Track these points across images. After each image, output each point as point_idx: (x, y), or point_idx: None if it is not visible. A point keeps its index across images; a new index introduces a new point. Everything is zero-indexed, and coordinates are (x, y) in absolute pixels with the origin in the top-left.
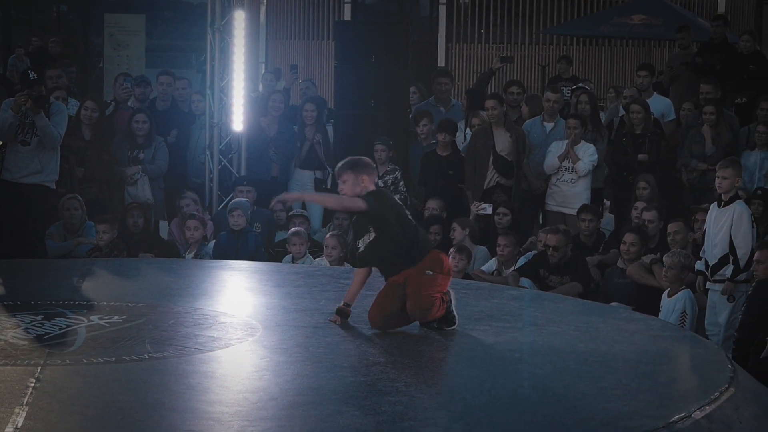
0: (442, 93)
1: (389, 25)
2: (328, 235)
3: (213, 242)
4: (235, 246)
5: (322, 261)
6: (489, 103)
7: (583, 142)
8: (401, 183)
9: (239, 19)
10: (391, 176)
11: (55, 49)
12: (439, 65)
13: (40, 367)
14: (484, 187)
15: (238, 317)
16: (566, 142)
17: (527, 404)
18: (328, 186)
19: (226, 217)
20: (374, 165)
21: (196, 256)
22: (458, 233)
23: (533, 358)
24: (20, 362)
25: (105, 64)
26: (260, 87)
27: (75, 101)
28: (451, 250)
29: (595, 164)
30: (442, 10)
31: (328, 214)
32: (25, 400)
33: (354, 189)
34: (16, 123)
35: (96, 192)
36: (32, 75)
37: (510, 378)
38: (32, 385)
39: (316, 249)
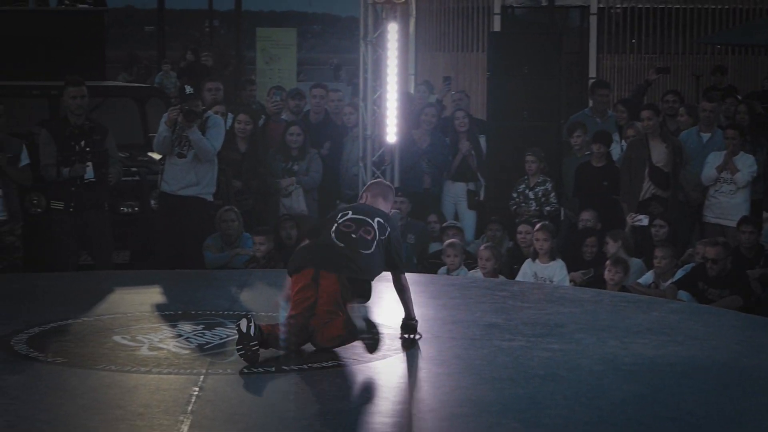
0: (601, 104)
1: (542, 36)
2: (482, 247)
3: None
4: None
5: (477, 273)
6: (645, 114)
7: (741, 152)
8: (552, 194)
9: (392, 32)
10: (542, 188)
11: (208, 63)
12: (590, 76)
13: (202, 377)
14: (640, 199)
15: (395, 328)
16: (724, 152)
17: (691, 419)
18: (481, 197)
19: None
20: (391, 188)
21: None
22: (611, 246)
23: (695, 373)
24: (183, 371)
25: (257, 78)
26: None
27: (230, 114)
28: (607, 262)
29: (755, 175)
30: (594, 20)
31: (481, 226)
32: (189, 408)
33: (379, 203)
34: (172, 137)
35: (252, 204)
36: (188, 89)
37: (672, 392)
38: (195, 393)
39: (469, 261)
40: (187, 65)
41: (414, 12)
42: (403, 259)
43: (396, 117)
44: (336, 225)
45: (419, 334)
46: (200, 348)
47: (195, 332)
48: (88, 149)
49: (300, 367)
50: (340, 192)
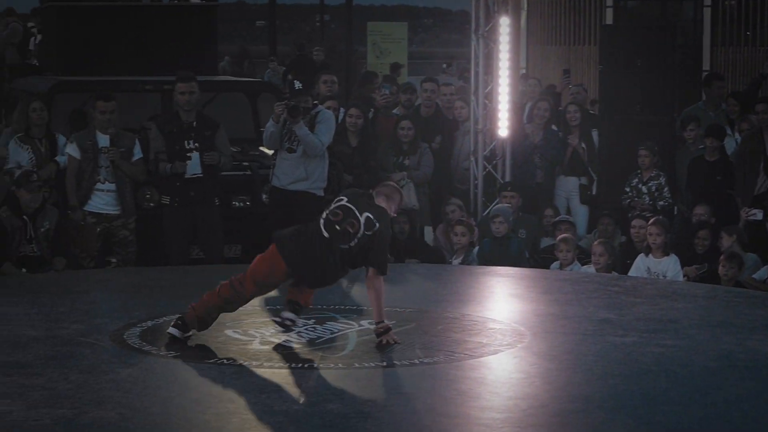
0: (715, 98)
1: (655, 29)
2: (595, 242)
3: (477, 248)
4: (498, 252)
5: (590, 268)
6: (759, 107)
7: None
8: (665, 189)
9: (503, 25)
10: (655, 182)
11: (319, 58)
12: (704, 69)
13: (313, 371)
14: (755, 193)
15: (506, 323)
16: None
17: None
18: (593, 192)
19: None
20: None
21: (462, 262)
22: (725, 240)
23: None
24: (294, 365)
25: (367, 72)
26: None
27: (342, 109)
28: (722, 257)
29: None
30: (707, 13)
31: (593, 221)
32: (301, 402)
33: (382, 201)
34: (280, 132)
35: None
36: (297, 85)
37: None
38: (306, 388)
39: (581, 256)
40: (295, 60)
41: (525, 5)
42: (385, 261)
43: (507, 111)
44: (327, 211)
45: (394, 339)
46: (311, 342)
47: (306, 326)
48: (196, 145)
49: (411, 362)
50: (451, 186)
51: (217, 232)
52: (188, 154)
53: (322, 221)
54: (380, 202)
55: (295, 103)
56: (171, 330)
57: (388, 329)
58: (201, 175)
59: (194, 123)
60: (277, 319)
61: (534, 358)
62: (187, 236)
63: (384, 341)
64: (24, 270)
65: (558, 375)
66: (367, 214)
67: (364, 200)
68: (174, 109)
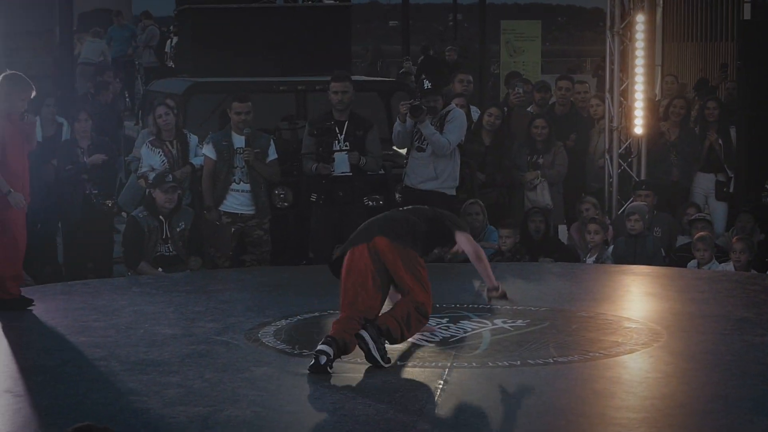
0: None
1: None
2: (735, 239)
3: (612, 247)
4: (633, 251)
5: (728, 266)
6: None
7: None
8: None
9: (639, 23)
10: None
11: (452, 57)
12: None
13: (447, 369)
14: None
15: (642, 322)
16: None
17: None
18: (730, 190)
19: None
20: None
21: (597, 261)
22: None
23: None
24: (428, 364)
25: (501, 71)
26: (657, 90)
27: (475, 108)
28: None
29: None
30: None
31: (731, 218)
32: (435, 401)
33: None
34: (408, 130)
35: (496, 197)
36: (427, 84)
37: None
38: (440, 386)
39: (719, 254)
40: (424, 60)
41: (661, 2)
42: (454, 218)
43: (643, 109)
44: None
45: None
46: (445, 341)
47: (440, 325)
48: (346, 144)
49: (545, 361)
50: (585, 185)
51: None
52: (333, 155)
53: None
54: None
55: (418, 103)
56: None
57: (503, 294)
58: (349, 174)
59: (346, 123)
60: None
61: (670, 357)
62: (333, 235)
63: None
64: (160, 269)
65: (695, 375)
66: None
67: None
68: (328, 109)
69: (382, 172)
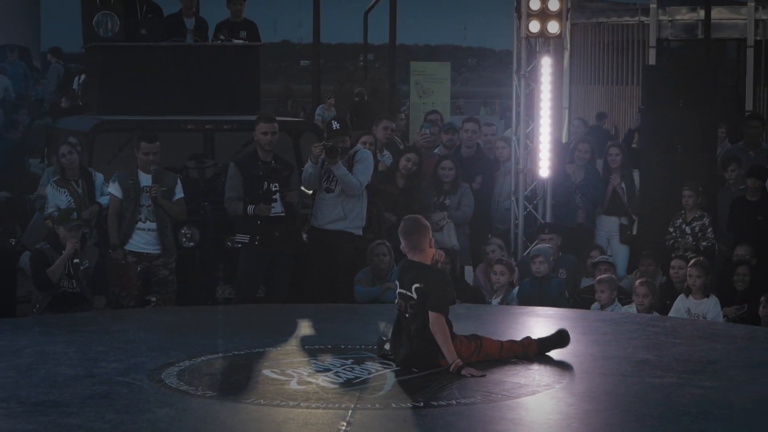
0: (753, 137)
1: (698, 70)
2: (638, 282)
3: (517, 288)
4: (538, 292)
5: (631, 308)
6: None
7: None
8: (709, 230)
9: (545, 66)
10: (699, 223)
11: (362, 96)
12: (747, 109)
13: (350, 411)
14: None
15: (545, 364)
16: None
17: None
18: (633, 232)
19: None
20: (422, 228)
21: (502, 302)
22: None
23: None
24: (332, 405)
25: (411, 112)
26: (564, 133)
27: (388, 153)
28: (762, 298)
29: None
30: (750, 53)
31: (634, 261)
32: None
33: (415, 254)
34: (318, 172)
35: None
36: (335, 125)
37: None
38: (343, 428)
39: (621, 296)
40: (357, 104)
41: (568, 45)
42: (440, 300)
43: (549, 151)
44: (396, 302)
45: (477, 374)
46: (349, 382)
47: (344, 366)
48: (275, 187)
49: (448, 403)
50: (491, 226)
51: (287, 273)
52: (274, 196)
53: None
54: (415, 255)
55: (332, 144)
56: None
57: (461, 366)
58: (283, 215)
59: (272, 163)
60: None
61: (572, 399)
62: (260, 276)
63: (469, 375)
64: (76, 261)
65: (596, 416)
66: (416, 285)
67: (407, 275)
68: (252, 150)
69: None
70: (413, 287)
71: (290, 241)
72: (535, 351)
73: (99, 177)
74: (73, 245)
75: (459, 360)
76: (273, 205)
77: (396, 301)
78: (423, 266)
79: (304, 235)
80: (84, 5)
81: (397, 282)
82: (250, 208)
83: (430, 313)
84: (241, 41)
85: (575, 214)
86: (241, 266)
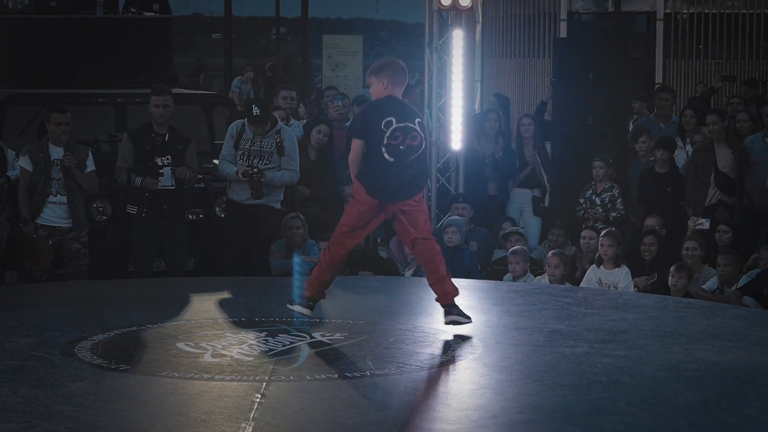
0: (664, 109)
1: (608, 42)
2: (550, 254)
3: None
4: (450, 263)
5: (543, 279)
6: (710, 119)
7: None
8: (619, 200)
9: (457, 38)
10: (609, 194)
11: (276, 71)
12: (657, 81)
13: (265, 383)
14: (706, 205)
15: (458, 335)
16: None
17: (754, 425)
18: (546, 204)
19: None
20: (403, 68)
21: (415, 274)
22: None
23: (759, 378)
24: (246, 378)
25: (323, 85)
26: (477, 106)
27: (297, 122)
28: (672, 268)
29: None
30: (660, 26)
31: (545, 232)
32: (251, 415)
33: (376, 93)
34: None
35: (318, 211)
36: (255, 111)
37: (735, 399)
38: (257, 400)
39: (534, 267)
40: (270, 78)
41: (480, 18)
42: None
43: (461, 124)
44: (386, 140)
45: None
46: (263, 354)
47: (258, 339)
48: (168, 159)
49: (362, 374)
50: None
51: (183, 245)
52: (161, 170)
53: (383, 149)
54: (397, 92)
55: (258, 177)
56: (300, 310)
57: None
58: (172, 188)
59: (167, 137)
60: None
61: (485, 369)
62: (154, 249)
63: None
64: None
65: (509, 386)
66: (417, 119)
67: (404, 109)
68: (147, 122)
69: (202, 185)
70: (416, 120)
71: (178, 214)
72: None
73: (10, 153)
74: None
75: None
76: (159, 178)
77: (389, 136)
78: (412, 106)
79: (218, 209)
80: None
81: (392, 119)
82: (138, 180)
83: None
84: (152, 14)
85: (487, 186)
86: (133, 238)
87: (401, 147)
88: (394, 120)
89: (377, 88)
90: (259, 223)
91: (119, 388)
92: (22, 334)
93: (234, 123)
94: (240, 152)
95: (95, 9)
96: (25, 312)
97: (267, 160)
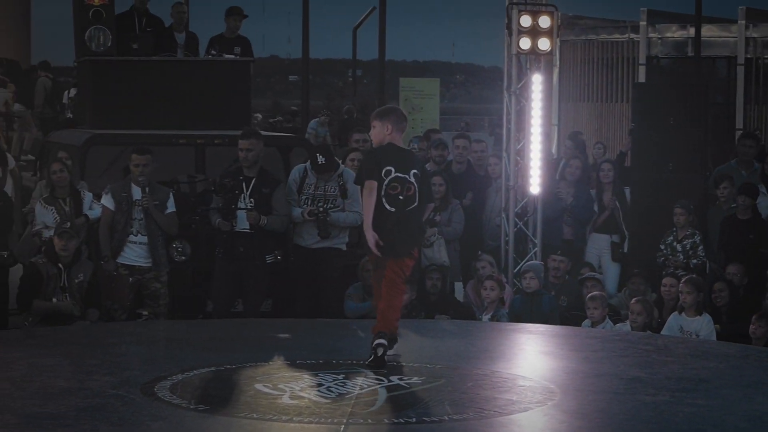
0: (746, 155)
1: (688, 87)
2: (633, 301)
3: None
4: (529, 308)
5: (624, 326)
6: None
7: None
8: (700, 247)
9: (536, 83)
10: (690, 240)
11: (352, 113)
12: (737, 127)
13: (343, 426)
14: None
15: (536, 381)
16: None
17: None
18: (625, 250)
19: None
20: (405, 116)
21: (492, 318)
22: None
23: None
24: (324, 420)
25: None
26: (554, 150)
27: None
28: (754, 316)
29: None
30: (741, 71)
31: (624, 278)
32: None
33: (379, 137)
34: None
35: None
36: (320, 160)
37: None
38: None
39: (611, 313)
40: (347, 121)
41: (558, 62)
42: (431, 192)
43: (539, 168)
44: (385, 189)
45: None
46: (341, 397)
47: (336, 381)
48: (251, 201)
49: (440, 419)
50: (482, 243)
51: (261, 287)
52: (236, 212)
53: (384, 200)
54: (398, 139)
55: (324, 216)
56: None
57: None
58: (249, 231)
59: (254, 179)
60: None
61: (564, 416)
62: (233, 290)
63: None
64: (54, 300)
65: None
66: (414, 171)
67: (403, 160)
68: (238, 165)
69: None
70: (411, 172)
71: (255, 257)
72: None
73: (88, 196)
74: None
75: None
76: (234, 222)
77: (388, 185)
78: (412, 153)
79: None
80: (76, 19)
81: (391, 168)
82: (217, 221)
83: (427, 205)
84: (233, 56)
85: (562, 230)
86: (213, 279)
87: (400, 197)
88: (393, 169)
89: (380, 132)
90: (326, 265)
91: (199, 428)
92: (102, 372)
93: (296, 168)
94: (304, 197)
95: (176, 51)
96: (106, 350)
97: (331, 203)
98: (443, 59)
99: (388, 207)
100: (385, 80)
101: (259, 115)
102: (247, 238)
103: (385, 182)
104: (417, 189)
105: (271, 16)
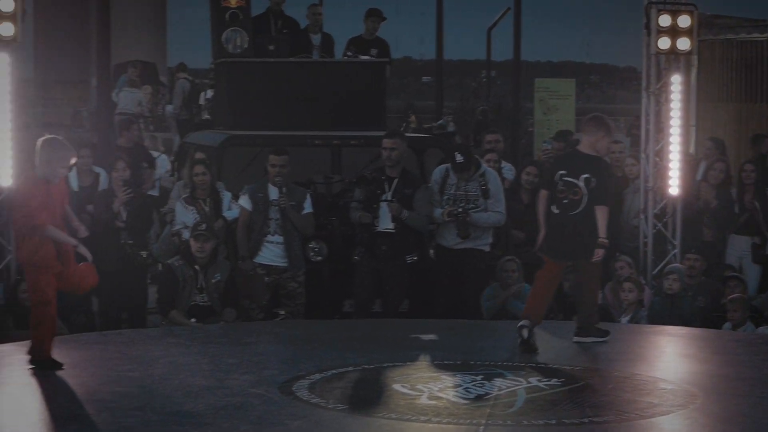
0: None
1: None
2: None
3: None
4: (669, 311)
5: (767, 329)
6: None
7: None
8: None
9: (675, 83)
10: None
11: (486, 115)
12: None
13: (482, 427)
14: None
15: (677, 384)
16: None
17: None
18: (766, 252)
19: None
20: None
21: (631, 321)
22: None
23: None
24: (462, 421)
25: (535, 128)
26: (692, 151)
27: (509, 165)
28: None
29: None
30: None
31: (766, 281)
32: None
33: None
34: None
35: (533, 255)
36: (459, 158)
37: None
38: None
39: (753, 315)
40: (480, 122)
41: (696, 62)
42: (607, 194)
43: (679, 169)
44: (555, 189)
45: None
46: (479, 398)
47: (474, 382)
48: (392, 200)
49: (581, 422)
50: (620, 244)
51: (400, 287)
52: (380, 210)
53: (554, 202)
54: (587, 148)
55: (463, 217)
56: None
57: (605, 246)
58: (392, 231)
59: (396, 179)
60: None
61: (706, 419)
62: (373, 289)
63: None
64: (193, 320)
65: None
66: (584, 175)
67: (578, 165)
68: (378, 164)
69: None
70: (582, 177)
71: (396, 256)
72: None
73: (227, 195)
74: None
75: (606, 241)
76: (376, 220)
77: (558, 189)
78: (594, 158)
79: (431, 251)
80: (213, 22)
81: (564, 171)
82: (356, 216)
83: (598, 207)
84: (368, 57)
85: (701, 232)
86: (354, 278)
87: (564, 201)
88: (565, 173)
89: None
90: (469, 266)
91: (338, 427)
92: (241, 371)
93: (438, 168)
94: (446, 198)
95: (312, 52)
96: (244, 350)
97: (473, 203)
98: (577, 60)
99: (553, 209)
100: (520, 81)
101: (413, 117)
102: (389, 237)
103: (558, 184)
104: (584, 194)
105: (404, 17)
